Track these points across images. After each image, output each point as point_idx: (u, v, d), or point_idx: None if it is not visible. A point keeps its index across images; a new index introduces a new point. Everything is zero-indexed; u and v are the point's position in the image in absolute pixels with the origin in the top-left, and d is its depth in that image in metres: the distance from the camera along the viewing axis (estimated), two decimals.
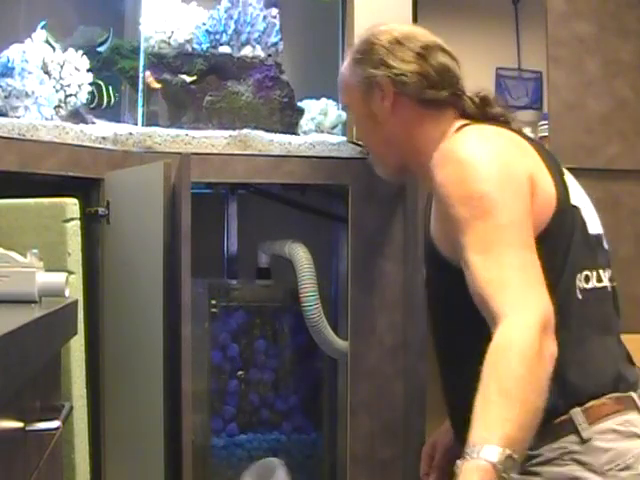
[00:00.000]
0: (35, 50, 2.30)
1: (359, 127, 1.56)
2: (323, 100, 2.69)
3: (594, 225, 1.42)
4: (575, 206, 1.37)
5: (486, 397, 1.04)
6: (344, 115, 2.62)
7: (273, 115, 2.54)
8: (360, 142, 1.58)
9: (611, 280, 1.45)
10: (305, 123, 2.64)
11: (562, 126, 2.59)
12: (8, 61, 2.25)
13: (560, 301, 1.24)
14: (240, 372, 2.54)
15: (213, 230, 2.74)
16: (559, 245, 1.30)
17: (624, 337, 2.55)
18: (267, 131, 2.45)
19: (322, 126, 2.65)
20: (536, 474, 1.22)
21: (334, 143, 2.46)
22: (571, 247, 1.32)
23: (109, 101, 2.48)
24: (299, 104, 2.61)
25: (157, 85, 2.52)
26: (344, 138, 2.49)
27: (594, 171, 2.58)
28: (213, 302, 2.50)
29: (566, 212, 1.33)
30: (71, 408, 1.20)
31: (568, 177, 1.43)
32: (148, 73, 2.52)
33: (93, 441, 2.07)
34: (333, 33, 2.67)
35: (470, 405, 1.09)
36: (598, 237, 1.42)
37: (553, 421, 1.21)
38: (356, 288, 2.36)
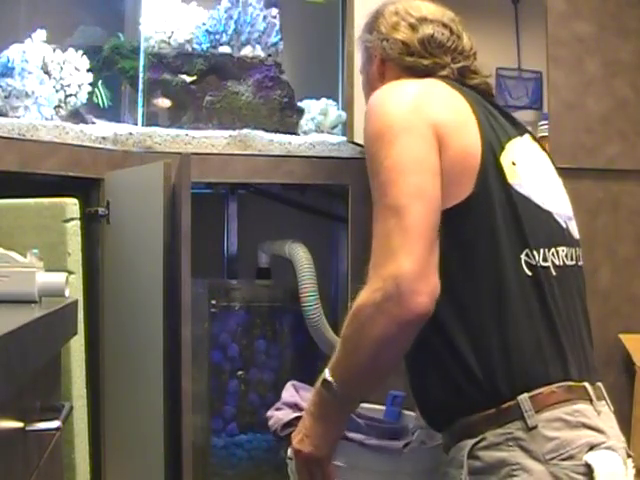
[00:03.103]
0: (35, 50, 2.30)
1: (364, 91, 1.61)
2: (323, 100, 2.69)
3: (551, 202, 1.36)
4: (507, 180, 1.31)
5: (341, 336, 1.27)
6: (344, 115, 2.62)
7: (273, 115, 2.54)
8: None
9: (574, 259, 1.37)
10: (305, 123, 2.64)
11: (562, 126, 2.59)
12: (8, 61, 2.25)
13: (501, 277, 1.25)
14: (240, 372, 2.54)
15: (213, 230, 2.74)
16: (487, 214, 1.27)
17: (624, 337, 2.56)
18: (267, 131, 2.45)
19: (322, 126, 2.65)
20: (479, 458, 1.22)
21: (334, 143, 2.46)
22: (509, 222, 1.28)
23: (102, 104, 2.48)
24: (299, 104, 2.61)
25: (167, 103, 2.52)
26: (344, 138, 2.49)
27: (594, 171, 2.58)
28: (213, 302, 2.50)
29: (494, 184, 1.29)
30: (71, 408, 1.20)
31: (523, 147, 1.39)
32: (161, 100, 2.53)
33: (93, 441, 2.07)
34: (333, 33, 2.67)
35: (425, 386, 1.32)
36: (550, 214, 1.35)
37: (499, 406, 1.22)
38: (356, 288, 2.35)
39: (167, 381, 1.98)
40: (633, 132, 2.63)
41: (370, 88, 1.53)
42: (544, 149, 1.51)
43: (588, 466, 1.18)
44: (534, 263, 1.28)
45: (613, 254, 2.57)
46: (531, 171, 1.36)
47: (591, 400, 1.26)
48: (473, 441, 1.23)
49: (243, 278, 2.73)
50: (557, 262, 1.32)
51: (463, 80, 1.47)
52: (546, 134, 2.66)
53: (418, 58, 1.48)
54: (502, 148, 1.33)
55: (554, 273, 1.30)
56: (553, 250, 1.32)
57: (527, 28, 2.96)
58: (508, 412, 1.22)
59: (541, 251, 1.29)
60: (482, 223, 1.27)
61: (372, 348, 1.22)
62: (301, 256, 2.44)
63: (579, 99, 2.60)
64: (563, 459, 1.19)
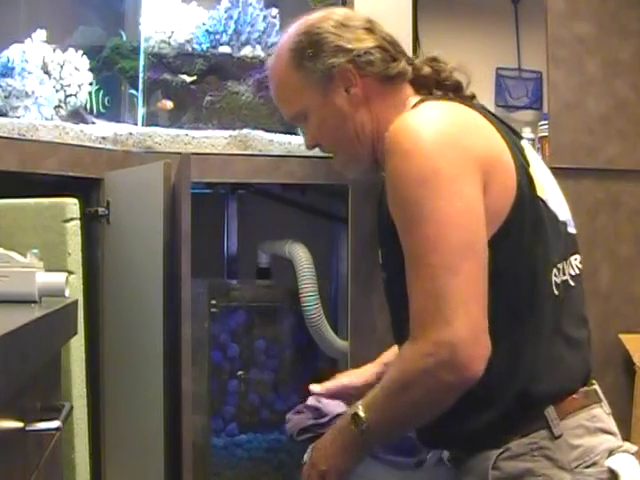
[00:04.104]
0: (35, 50, 2.30)
1: (321, 132, 1.36)
2: None
3: (561, 211, 1.33)
4: (539, 197, 1.26)
5: (383, 382, 1.22)
6: None
7: (273, 115, 2.54)
8: (320, 148, 1.42)
9: (580, 263, 1.35)
10: None
11: (562, 126, 2.59)
12: (8, 61, 2.25)
13: (534, 298, 1.23)
14: (240, 372, 2.54)
15: (213, 230, 2.74)
16: (524, 240, 1.22)
17: (624, 337, 2.56)
18: (267, 131, 2.45)
19: None
20: (499, 468, 1.21)
21: None
22: (541, 242, 1.24)
23: (97, 109, 2.48)
24: None
25: (170, 106, 2.52)
26: None
27: (594, 171, 2.58)
28: (213, 302, 2.50)
29: (529, 202, 1.23)
30: (71, 408, 1.20)
31: (531, 155, 1.32)
32: (164, 101, 2.52)
33: (93, 441, 2.07)
34: None
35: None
36: (564, 224, 1.33)
37: (524, 415, 1.21)
38: (356, 288, 2.36)
39: (167, 381, 1.98)
40: (633, 132, 2.62)
41: (340, 121, 1.33)
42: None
43: (612, 472, 1.19)
44: (559, 281, 1.27)
45: (613, 254, 2.57)
46: (545, 179, 1.32)
47: (601, 401, 1.27)
48: (498, 451, 1.21)
49: (243, 278, 2.73)
50: (572, 272, 1.31)
51: (438, 78, 1.37)
52: (546, 134, 2.66)
53: (397, 62, 1.34)
54: (528, 164, 1.27)
55: (572, 283, 1.30)
56: (569, 260, 1.31)
57: (527, 28, 2.96)
58: (533, 421, 1.21)
59: (562, 265, 1.28)
60: (516, 248, 1.23)
61: (417, 408, 1.19)
62: (301, 256, 2.44)
63: (579, 99, 2.59)
64: (587, 466, 1.20)
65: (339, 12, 1.37)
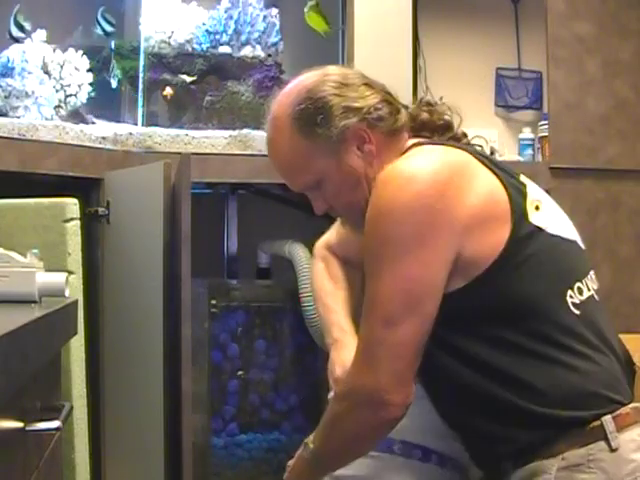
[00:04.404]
0: (35, 50, 2.31)
1: (338, 196, 1.33)
2: None
3: (568, 232, 1.34)
4: (537, 225, 1.26)
5: (322, 418, 1.35)
6: None
7: None
8: (331, 212, 1.39)
9: (595, 283, 1.36)
10: None
11: (562, 126, 2.59)
12: (8, 61, 2.25)
13: (555, 321, 1.24)
14: (240, 372, 2.54)
15: (213, 230, 2.74)
16: (528, 270, 1.24)
17: (624, 337, 2.56)
18: None
19: None
20: (554, 476, 1.20)
21: None
22: (547, 268, 1.26)
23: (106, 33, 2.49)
24: None
25: (170, 92, 2.52)
26: None
27: (594, 171, 2.58)
28: (213, 302, 2.49)
29: (524, 235, 1.24)
30: (71, 408, 1.20)
31: (529, 187, 1.31)
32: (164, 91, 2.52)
33: (93, 441, 2.07)
34: (333, 33, 2.67)
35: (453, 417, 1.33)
36: (576, 243, 1.34)
37: (584, 427, 1.20)
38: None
39: (167, 381, 1.98)
40: (633, 132, 2.63)
41: (355, 182, 1.31)
42: None
43: None
44: (578, 302, 1.26)
45: (613, 254, 2.57)
46: (546, 203, 1.33)
47: None
48: (556, 461, 1.20)
49: (243, 278, 2.73)
50: (595, 286, 1.32)
51: (432, 125, 1.39)
52: (546, 134, 2.67)
53: (400, 112, 1.34)
54: (524, 197, 1.27)
55: (597, 298, 1.31)
56: (587, 277, 1.32)
57: (527, 28, 2.96)
58: (591, 433, 1.20)
59: (581, 284, 1.29)
60: (532, 271, 1.25)
61: (347, 442, 1.32)
62: (301, 256, 2.44)
63: (579, 99, 2.60)
64: None
65: (333, 71, 1.34)
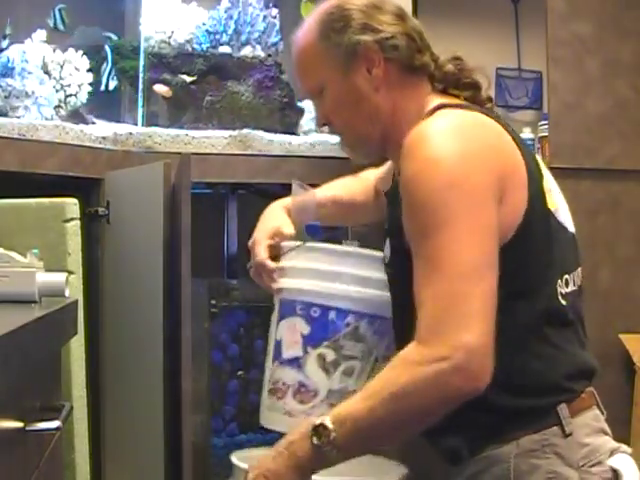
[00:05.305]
0: (35, 50, 2.31)
1: (335, 109, 1.33)
2: None
3: (569, 224, 1.34)
4: (550, 209, 1.26)
5: (366, 389, 1.16)
6: None
7: (273, 115, 2.54)
8: (329, 128, 1.39)
9: (579, 279, 1.35)
10: (305, 123, 2.64)
11: (562, 126, 2.59)
12: (8, 61, 2.25)
13: (543, 309, 1.23)
14: (240, 372, 2.54)
15: (213, 230, 2.74)
16: (533, 250, 1.22)
17: (624, 337, 2.56)
18: (267, 131, 2.45)
19: None
20: (512, 463, 1.19)
21: (334, 143, 2.46)
22: (549, 252, 1.24)
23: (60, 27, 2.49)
24: (299, 104, 2.61)
25: (169, 93, 2.52)
26: None
27: (594, 171, 2.58)
28: (213, 302, 2.49)
29: (539, 215, 1.23)
30: (71, 408, 1.20)
31: (543, 168, 1.31)
32: (159, 86, 2.51)
33: (93, 441, 2.07)
34: None
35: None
36: (573, 236, 1.34)
37: (537, 412, 1.21)
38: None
39: (167, 381, 1.98)
40: (633, 132, 2.62)
41: (356, 102, 1.31)
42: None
43: (614, 471, 1.20)
44: (564, 291, 1.26)
45: (613, 254, 2.57)
46: (555, 191, 1.32)
47: (598, 403, 1.28)
48: (512, 448, 1.20)
49: (243, 278, 2.73)
50: (578, 282, 1.32)
51: (458, 77, 1.35)
52: (546, 134, 2.66)
53: (422, 54, 1.32)
54: (541, 177, 1.27)
55: (578, 293, 1.30)
56: (577, 271, 1.31)
57: (527, 28, 2.96)
58: (545, 419, 1.20)
59: (570, 276, 1.28)
60: (523, 260, 1.22)
61: (417, 415, 1.14)
62: None
63: (579, 99, 2.59)
64: (592, 465, 1.20)
65: None
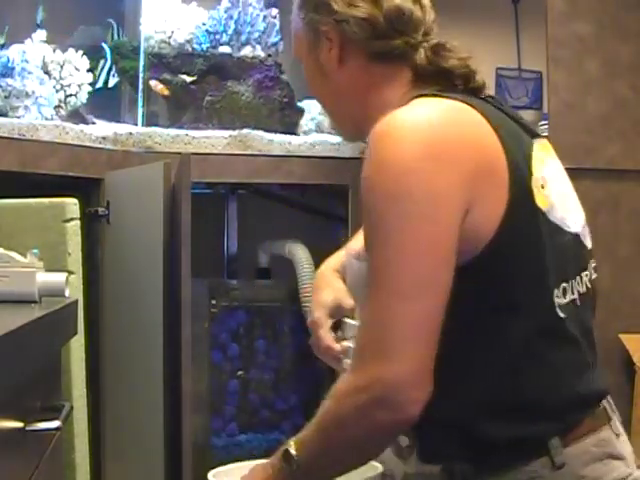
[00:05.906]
0: (35, 50, 2.31)
1: (310, 82, 1.31)
2: None
3: (573, 221, 1.22)
4: (539, 209, 1.13)
5: (318, 416, 1.12)
6: None
7: (273, 115, 2.54)
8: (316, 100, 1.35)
9: (593, 272, 1.23)
10: (305, 123, 2.64)
11: (562, 126, 2.59)
12: (8, 61, 2.25)
13: (536, 324, 1.11)
14: (240, 372, 2.54)
15: (213, 230, 2.74)
16: (520, 257, 1.10)
17: (624, 337, 2.56)
18: (267, 131, 2.45)
19: (322, 126, 2.65)
20: None
21: (334, 143, 2.46)
22: (540, 258, 1.12)
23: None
24: (299, 104, 2.61)
25: (166, 92, 2.52)
26: None
27: (594, 171, 2.58)
28: (213, 302, 2.50)
29: (525, 217, 1.11)
30: (71, 408, 1.20)
31: (543, 157, 1.19)
32: (154, 82, 2.51)
33: (93, 441, 2.07)
34: None
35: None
36: (577, 236, 1.22)
37: (525, 442, 1.09)
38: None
39: (167, 381, 1.98)
40: (633, 132, 2.62)
41: (322, 78, 1.26)
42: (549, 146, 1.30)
43: None
44: (563, 302, 1.14)
45: (613, 254, 2.57)
46: (554, 186, 1.20)
47: (610, 420, 1.15)
48: None
49: (243, 278, 2.73)
50: (581, 290, 1.19)
51: (437, 62, 1.25)
52: (546, 134, 2.66)
53: (388, 40, 1.21)
54: (530, 173, 1.14)
55: (579, 303, 1.17)
56: (578, 278, 1.19)
57: (527, 28, 2.96)
58: (534, 449, 1.09)
59: (568, 284, 1.16)
60: (508, 269, 1.10)
61: (351, 448, 1.09)
62: (301, 256, 2.44)
63: (579, 99, 2.59)
64: None
65: None
